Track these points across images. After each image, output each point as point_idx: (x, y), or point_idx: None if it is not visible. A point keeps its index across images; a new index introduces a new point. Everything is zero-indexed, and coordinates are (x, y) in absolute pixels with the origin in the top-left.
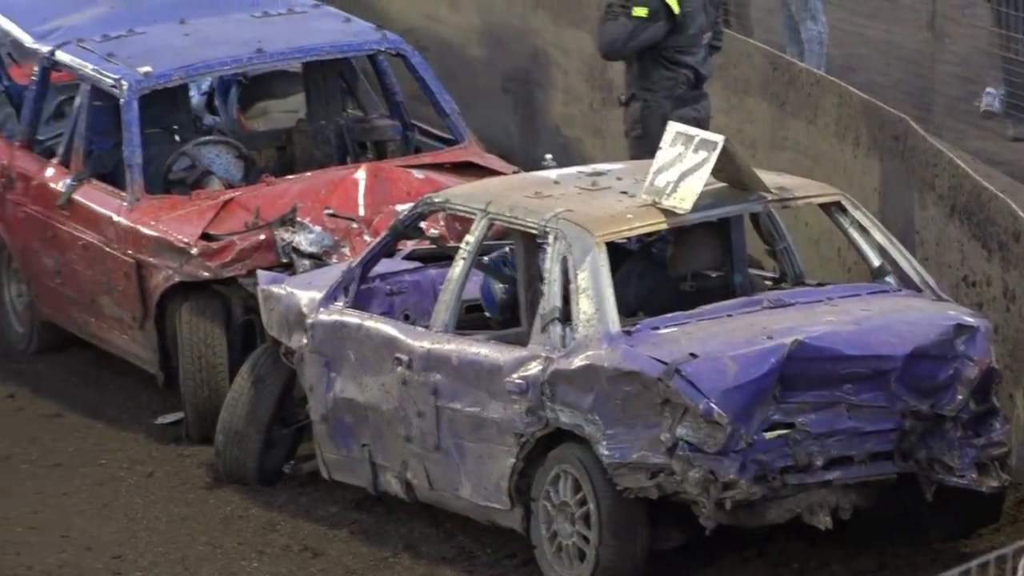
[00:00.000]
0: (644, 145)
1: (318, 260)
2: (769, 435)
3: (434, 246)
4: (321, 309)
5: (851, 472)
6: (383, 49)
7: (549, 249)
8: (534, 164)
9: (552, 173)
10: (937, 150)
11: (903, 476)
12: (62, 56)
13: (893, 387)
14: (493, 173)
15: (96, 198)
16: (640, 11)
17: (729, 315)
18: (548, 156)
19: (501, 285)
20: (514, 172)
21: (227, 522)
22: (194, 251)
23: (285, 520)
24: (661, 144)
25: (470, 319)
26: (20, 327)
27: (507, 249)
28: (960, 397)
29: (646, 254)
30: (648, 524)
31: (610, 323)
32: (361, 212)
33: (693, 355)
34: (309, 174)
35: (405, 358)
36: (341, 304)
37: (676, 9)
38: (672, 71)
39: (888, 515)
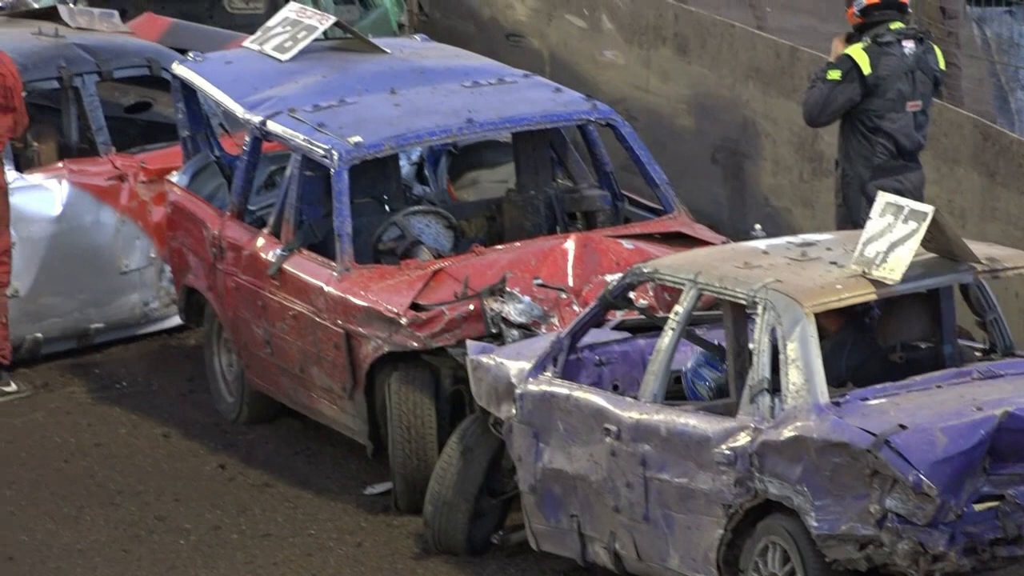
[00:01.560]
0: (844, 213)
1: (527, 330)
2: (979, 507)
3: (643, 316)
4: (530, 379)
5: None
6: (593, 119)
7: (758, 319)
8: (743, 234)
9: (761, 243)
10: None
11: None
12: (273, 126)
13: None
14: (702, 243)
15: (306, 268)
16: (834, 74)
17: (939, 386)
18: (757, 226)
19: (707, 383)
20: (723, 242)
21: None
22: (403, 321)
23: None
24: (871, 214)
25: (679, 389)
26: (230, 397)
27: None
28: None
29: (855, 324)
30: None
31: (819, 394)
32: (570, 282)
33: (902, 426)
34: (518, 244)
35: (614, 428)
36: (550, 374)
37: (866, 70)
38: (869, 138)
39: None
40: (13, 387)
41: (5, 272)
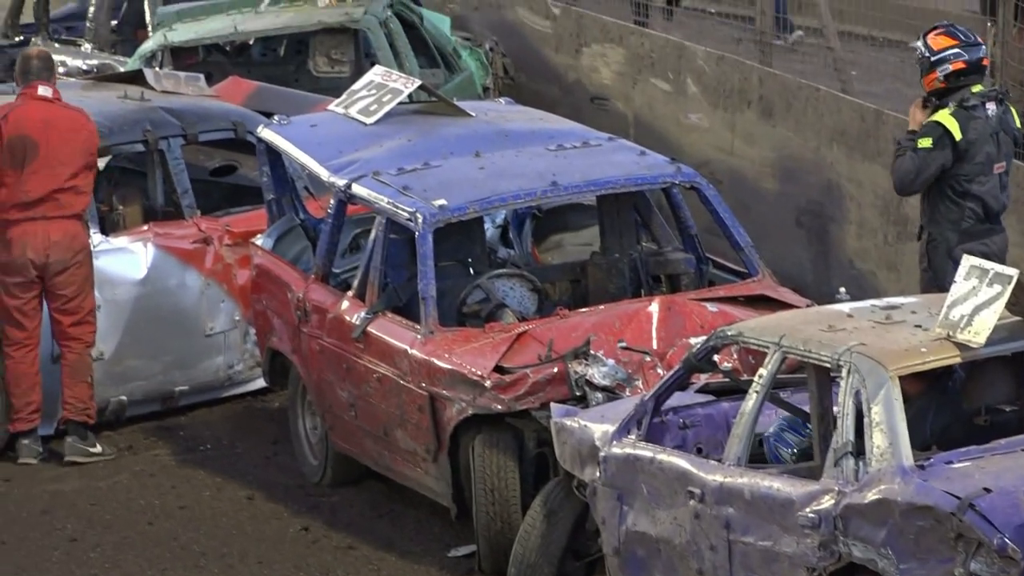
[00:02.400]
0: (930, 278)
1: (611, 393)
2: None
3: (727, 379)
4: (614, 442)
5: None
6: (677, 182)
7: (842, 383)
8: (827, 297)
9: (846, 307)
10: None
11: None
12: (358, 189)
13: None
14: (786, 306)
15: (390, 331)
16: (925, 142)
17: (1023, 449)
18: (842, 289)
19: (791, 448)
20: (807, 305)
21: None
22: (487, 384)
23: None
24: (956, 277)
25: (762, 453)
26: (314, 459)
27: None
28: None
29: (939, 387)
30: None
31: (903, 457)
32: (654, 345)
33: (987, 490)
34: (603, 307)
35: (698, 491)
36: (634, 437)
37: (957, 136)
38: (958, 203)
39: None
40: (98, 448)
41: (90, 333)
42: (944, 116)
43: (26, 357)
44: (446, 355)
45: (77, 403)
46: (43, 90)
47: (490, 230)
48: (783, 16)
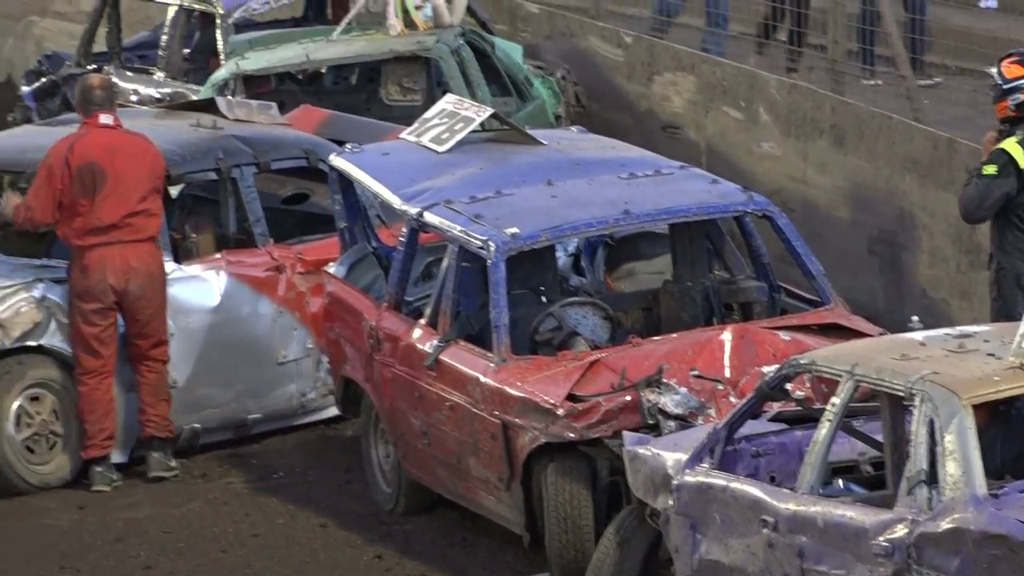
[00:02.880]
0: (1000, 307)
1: (684, 421)
2: None
3: (800, 408)
4: (687, 470)
5: None
6: (749, 210)
7: (915, 411)
8: (900, 326)
9: (918, 335)
10: None
11: None
12: (430, 217)
13: None
14: (859, 335)
15: (463, 359)
16: (989, 169)
17: None
18: (914, 318)
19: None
20: (880, 334)
21: None
22: (560, 412)
23: None
24: None
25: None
26: (387, 487)
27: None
28: None
29: (1012, 416)
30: None
31: (977, 486)
32: (727, 373)
33: None
34: (675, 335)
35: (771, 520)
36: (707, 465)
37: (1022, 164)
38: None
39: None
40: (174, 463)
41: (167, 352)
42: (1010, 144)
43: (101, 384)
44: (518, 383)
45: (160, 420)
46: (105, 118)
47: (562, 258)
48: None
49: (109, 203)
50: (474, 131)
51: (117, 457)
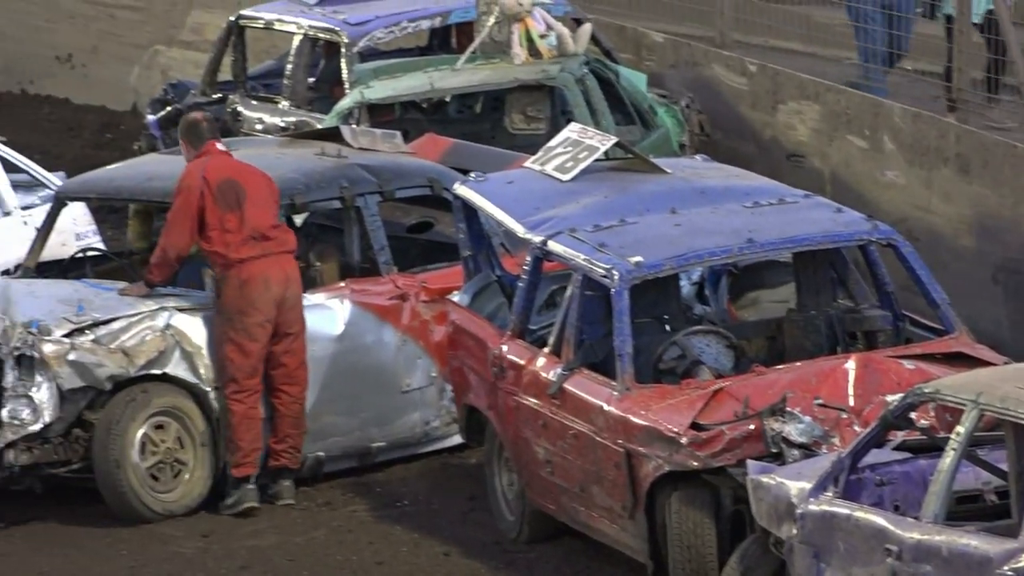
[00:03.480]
0: None
1: (808, 450)
2: None
3: (924, 437)
4: (811, 499)
5: None
6: (874, 239)
7: None
8: None
9: None
10: None
11: None
12: (554, 246)
13: None
14: (983, 364)
15: (586, 387)
16: None
17: None
18: None
19: None
20: (1005, 363)
21: None
22: (684, 440)
23: None
24: None
25: (960, 510)
26: (511, 516)
27: None
28: None
29: None
30: None
31: None
32: (851, 402)
33: None
34: (799, 364)
35: (895, 549)
36: (831, 494)
37: None
38: None
39: None
40: (291, 501)
41: (306, 374)
42: None
43: (258, 402)
44: (642, 412)
45: (296, 451)
46: (220, 146)
47: (686, 287)
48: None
49: (254, 214)
50: (598, 160)
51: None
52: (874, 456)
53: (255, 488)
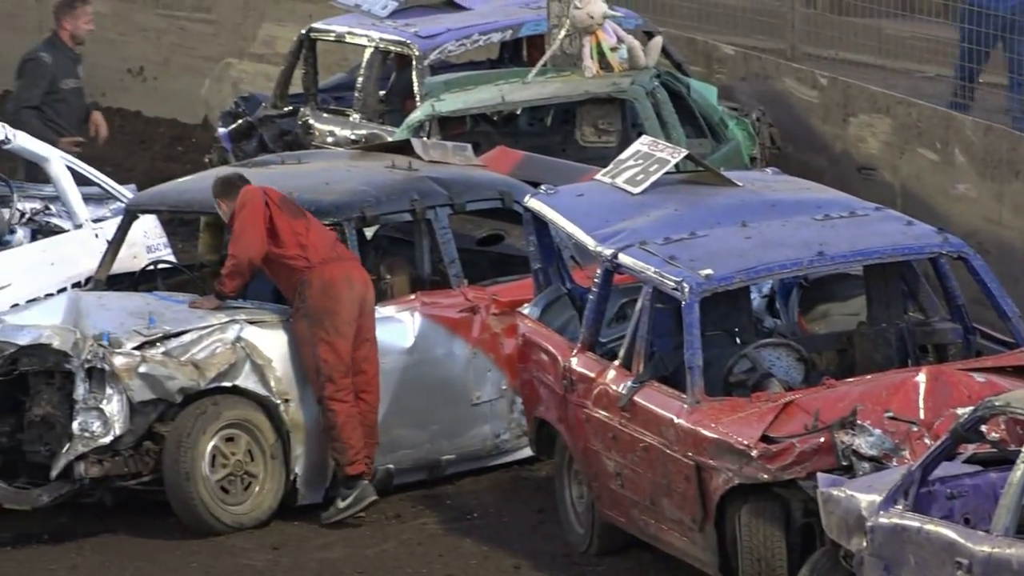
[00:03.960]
0: None
1: (878, 463)
2: None
3: (995, 450)
4: (881, 512)
5: None
6: (944, 252)
7: None
8: None
9: None
10: None
11: None
12: (624, 258)
13: None
14: None
15: (657, 400)
16: None
17: None
18: None
19: None
20: None
21: None
22: (754, 453)
23: None
24: None
25: None
26: (581, 528)
27: None
28: None
29: None
30: None
31: None
32: (921, 415)
33: None
34: (869, 377)
35: (965, 562)
36: (901, 507)
37: None
38: None
39: None
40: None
41: (379, 382)
42: None
43: (354, 403)
44: (712, 424)
45: (369, 461)
46: None
47: (756, 299)
48: None
49: (318, 224)
50: (669, 173)
51: (311, 497)
52: (944, 469)
53: (369, 483)
